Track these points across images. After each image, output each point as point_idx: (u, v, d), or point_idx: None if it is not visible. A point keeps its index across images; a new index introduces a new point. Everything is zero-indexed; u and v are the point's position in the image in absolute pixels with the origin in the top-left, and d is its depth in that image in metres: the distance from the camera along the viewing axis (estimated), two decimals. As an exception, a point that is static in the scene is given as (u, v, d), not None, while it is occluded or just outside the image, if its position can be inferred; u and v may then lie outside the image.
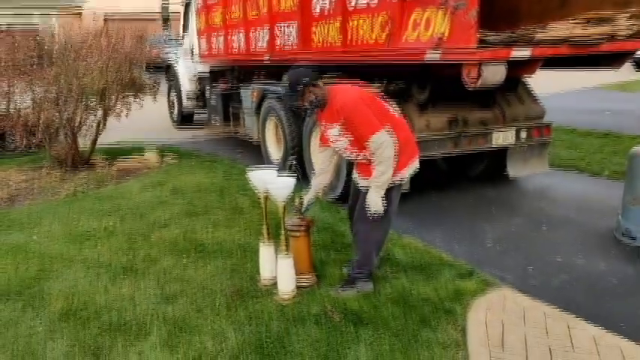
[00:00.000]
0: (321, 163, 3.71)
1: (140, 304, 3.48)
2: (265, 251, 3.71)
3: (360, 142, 3.28)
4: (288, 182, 3.49)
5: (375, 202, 3.25)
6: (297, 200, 3.63)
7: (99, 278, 3.91)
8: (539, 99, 5.81)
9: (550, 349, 2.90)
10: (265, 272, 3.72)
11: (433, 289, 3.54)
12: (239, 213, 5.26)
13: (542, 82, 6.71)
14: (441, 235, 4.63)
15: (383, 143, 3.17)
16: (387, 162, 3.19)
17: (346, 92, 3.36)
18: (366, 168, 3.39)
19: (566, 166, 6.75)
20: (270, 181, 3.52)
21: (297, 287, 3.57)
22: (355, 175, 3.62)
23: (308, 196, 3.68)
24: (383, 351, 2.87)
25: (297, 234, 3.63)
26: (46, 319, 3.35)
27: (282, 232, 3.54)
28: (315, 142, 5.86)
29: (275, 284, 3.59)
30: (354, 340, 2.98)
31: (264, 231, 3.72)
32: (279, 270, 3.53)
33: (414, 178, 3.48)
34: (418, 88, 5.12)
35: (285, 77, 3.43)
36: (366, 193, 3.35)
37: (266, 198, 3.68)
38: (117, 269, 4.04)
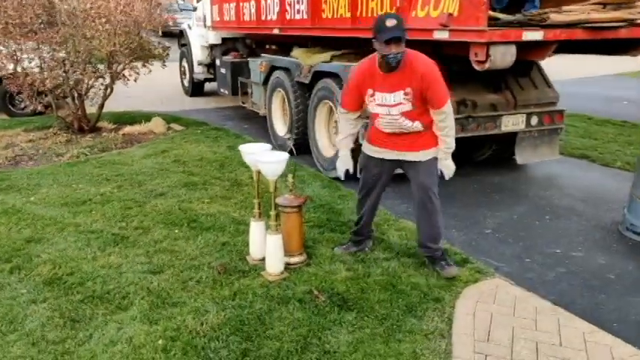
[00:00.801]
0: (348, 127, 3.61)
1: (126, 274, 3.45)
2: (256, 227, 3.64)
3: (423, 110, 3.26)
4: (279, 158, 3.40)
5: (450, 167, 3.40)
6: (289, 177, 3.54)
7: (89, 245, 3.89)
8: (554, 84, 5.61)
9: (537, 344, 2.81)
10: (255, 249, 3.66)
11: (424, 276, 3.45)
12: (237, 187, 5.20)
13: (562, 68, 6.49)
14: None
15: (451, 112, 3.29)
16: (453, 130, 3.33)
17: (427, 58, 3.28)
18: (418, 138, 3.36)
19: (577, 155, 6.56)
20: (261, 157, 3.43)
21: (287, 266, 3.51)
22: (392, 151, 3.45)
23: (344, 162, 3.67)
24: (364, 336, 2.80)
25: (289, 211, 3.56)
26: (31, 284, 3.34)
27: (273, 208, 3.46)
28: (319, 116, 5.76)
29: (264, 262, 3.53)
30: (336, 323, 2.91)
31: (256, 207, 3.65)
32: (267, 247, 3.46)
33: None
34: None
35: (393, 16, 3.19)
36: (425, 167, 3.39)
37: (258, 173, 3.60)
38: (108, 237, 4.02)
